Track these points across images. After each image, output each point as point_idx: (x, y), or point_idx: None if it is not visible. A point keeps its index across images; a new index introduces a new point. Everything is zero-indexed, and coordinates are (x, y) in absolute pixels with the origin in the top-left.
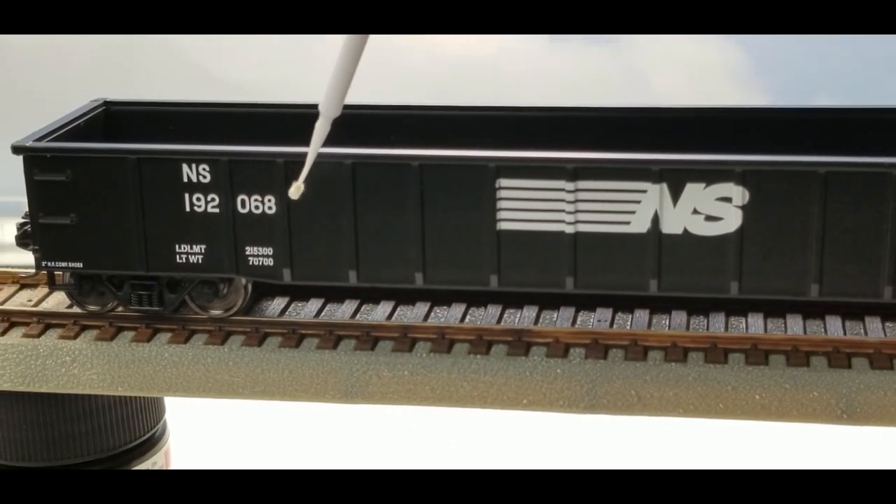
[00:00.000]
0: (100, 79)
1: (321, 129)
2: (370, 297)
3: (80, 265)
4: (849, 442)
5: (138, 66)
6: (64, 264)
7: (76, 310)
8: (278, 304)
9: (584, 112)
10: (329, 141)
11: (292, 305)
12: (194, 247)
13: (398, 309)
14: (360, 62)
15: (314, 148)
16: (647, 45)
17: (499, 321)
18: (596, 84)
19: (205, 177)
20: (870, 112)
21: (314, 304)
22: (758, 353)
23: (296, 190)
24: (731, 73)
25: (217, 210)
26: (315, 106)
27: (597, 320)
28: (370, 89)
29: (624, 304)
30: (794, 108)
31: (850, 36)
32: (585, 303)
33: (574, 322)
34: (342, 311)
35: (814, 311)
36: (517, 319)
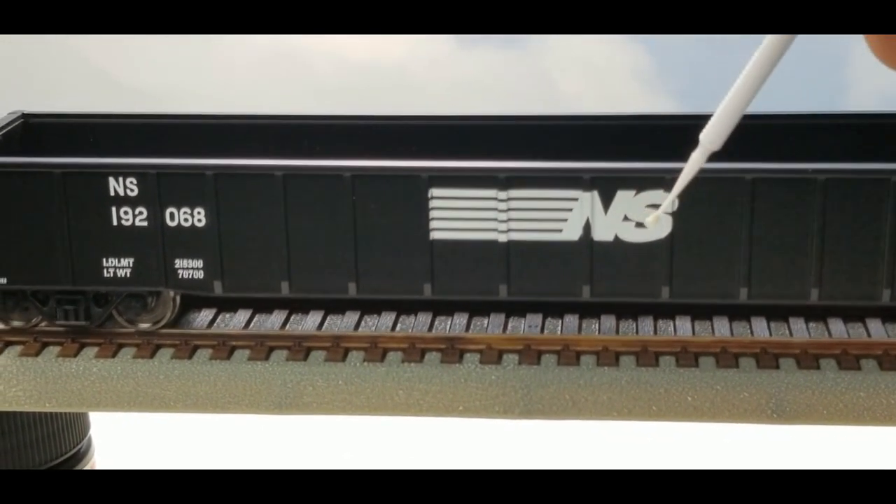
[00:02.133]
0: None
1: (697, 160)
2: (299, 307)
3: (3, 281)
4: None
5: (43, 74)
6: None
7: (0, 326)
8: (206, 315)
9: (510, 121)
10: (259, 153)
11: (220, 317)
12: (122, 260)
13: (328, 318)
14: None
15: (684, 179)
16: (554, 48)
17: (430, 329)
18: (503, 87)
19: (132, 190)
20: (791, 118)
21: (242, 315)
22: (688, 355)
23: (654, 220)
24: (636, 75)
25: (145, 223)
26: (236, 117)
27: (528, 326)
28: (279, 95)
29: (553, 310)
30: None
31: (755, 37)
32: (515, 309)
33: (505, 328)
34: (272, 322)
35: (739, 313)
36: (448, 327)
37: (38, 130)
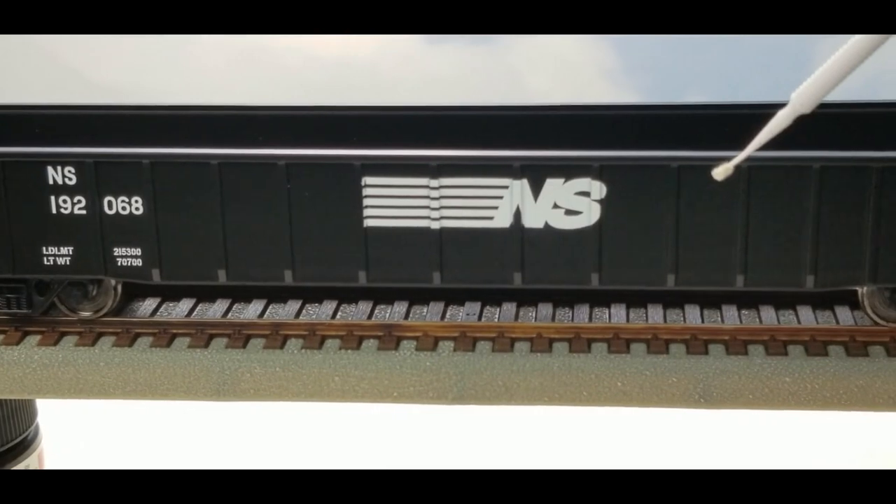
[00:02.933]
0: None
1: (783, 118)
2: (242, 295)
3: None
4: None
5: (6, 68)
6: None
7: None
8: (150, 304)
9: (457, 111)
10: (194, 142)
11: (164, 305)
12: (62, 249)
13: (270, 307)
14: (854, 68)
15: (766, 134)
16: (522, 45)
17: (370, 317)
18: (473, 84)
19: (70, 179)
20: (730, 108)
21: (186, 304)
22: (619, 341)
23: (723, 171)
24: (604, 72)
25: (84, 212)
26: (183, 108)
27: (465, 314)
28: (248, 90)
29: (492, 298)
30: (658, 104)
31: (717, 35)
32: (455, 297)
33: (444, 316)
34: (214, 311)
35: (675, 300)
36: (388, 315)
37: None
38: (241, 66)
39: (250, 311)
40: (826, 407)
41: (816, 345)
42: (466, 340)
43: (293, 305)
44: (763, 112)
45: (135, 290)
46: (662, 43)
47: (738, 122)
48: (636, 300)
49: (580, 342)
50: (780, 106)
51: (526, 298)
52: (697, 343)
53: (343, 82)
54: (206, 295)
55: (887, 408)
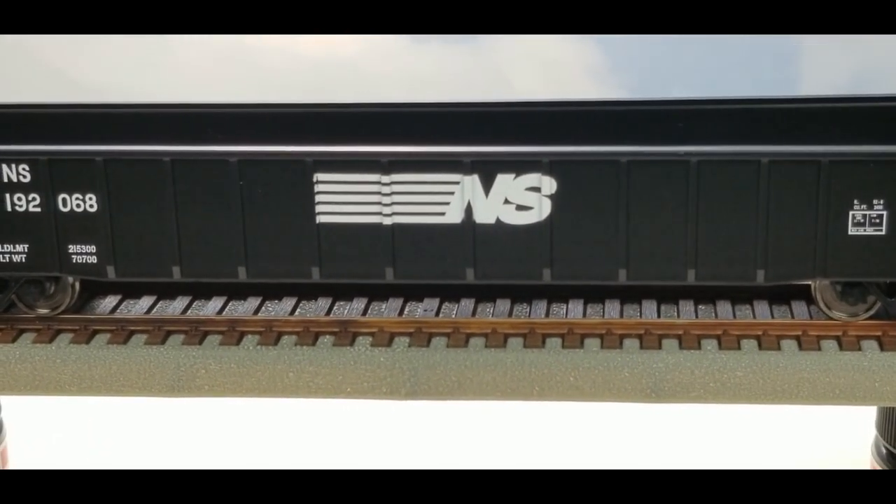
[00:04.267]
0: None
1: None
2: (203, 293)
3: None
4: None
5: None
6: None
7: None
8: (110, 301)
9: (409, 108)
10: (147, 139)
11: (124, 303)
12: (17, 246)
13: (229, 304)
14: None
15: None
16: (506, 44)
17: (328, 313)
18: (457, 83)
19: (25, 176)
20: (680, 104)
21: (146, 301)
22: (574, 336)
23: None
24: (590, 70)
25: (38, 209)
26: (140, 105)
27: (423, 310)
28: (229, 89)
29: (452, 294)
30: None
31: (700, 35)
32: (413, 293)
33: (401, 312)
34: (173, 308)
35: (633, 296)
36: (346, 311)
37: None
38: (224, 66)
39: (209, 307)
40: (776, 401)
41: (769, 339)
42: (422, 336)
43: (253, 302)
44: (713, 108)
45: (97, 287)
46: (646, 41)
47: (685, 117)
48: (595, 296)
49: (535, 337)
50: (723, 101)
51: (485, 295)
52: (651, 338)
53: (325, 81)
54: (166, 292)
55: (836, 401)
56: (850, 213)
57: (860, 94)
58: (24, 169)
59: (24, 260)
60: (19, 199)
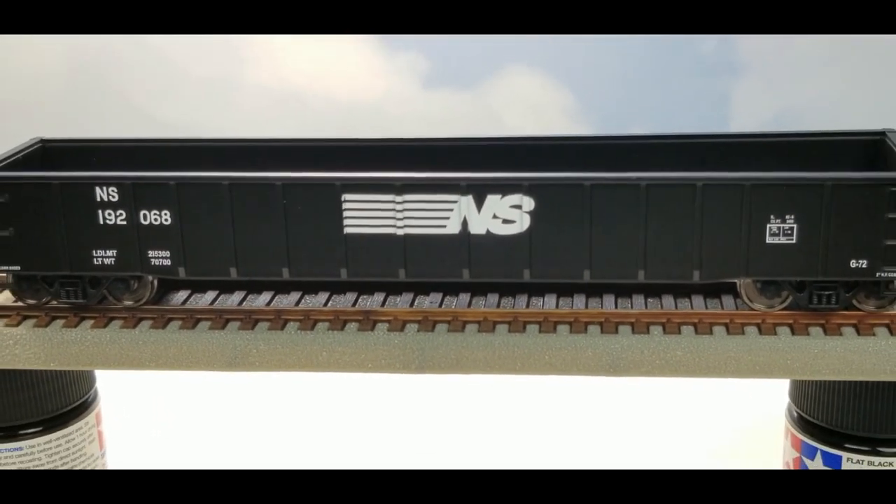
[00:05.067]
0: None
1: None
2: (255, 289)
3: (17, 268)
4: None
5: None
6: (5, 267)
7: (19, 303)
8: (182, 295)
9: (416, 142)
10: (210, 167)
11: (193, 296)
12: (108, 251)
13: (276, 297)
14: None
15: None
16: (500, 90)
17: (354, 304)
18: (460, 120)
19: (114, 196)
20: (633, 139)
21: (210, 295)
22: (548, 323)
23: None
24: (565, 111)
25: (124, 222)
26: (204, 140)
27: (429, 302)
28: (278, 126)
29: (452, 290)
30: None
31: (659, 78)
32: (421, 289)
33: (412, 304)
34: (232, 300)
35: (596, 291)
36: (368, 303)
37: (53, 153)
38: (278, 108)
39: (260, 300)
40: (709, 374)
41: (704, 325)
42: (428, 323)
43: (294, 296)
44: (654, 142)
45: (172, 284)
46: (611, 87)
47: (640, 150)
48: (566, 291)
49: (517, 324)
50: (668, 136)
51: (479, 290)
52: (610, 324)
53: (355, 120)
54: (226, 288)
55: (755, 375)
56: (768, 225)
57: (776, 131)
58: (113, 191)
59: (113, 262)
60: (109, 214)
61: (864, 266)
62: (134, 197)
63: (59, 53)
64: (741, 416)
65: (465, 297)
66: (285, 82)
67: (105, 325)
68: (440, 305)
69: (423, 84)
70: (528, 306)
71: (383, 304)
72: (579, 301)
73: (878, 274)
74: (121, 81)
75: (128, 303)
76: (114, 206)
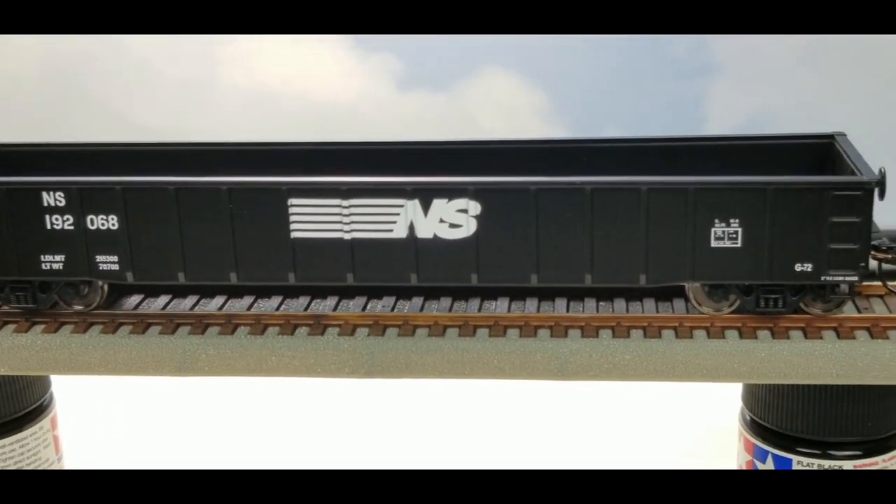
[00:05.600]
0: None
1: None
2: (209, 293)
3: None
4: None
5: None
6: None
7: None
8: (135, 299)
9: (364, 146)
10: (155, 171)
11: (146, 301)
12: (56, 256)
13: (229, 302)
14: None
15: None
16: (475, 92)
17: (306, 309)
18: (436, 122)
19: (61, 202)
20: (582, 142)
21: (163, 300)
22: (498, 327)
23: None
24: (538, 112)
25: (72, 227)
26: (155, 144)
27: (381, 306)
28: (249, 128)
29: (405, 294)
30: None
31: (633, 79)
32: (375, 293)
33: (364, 308)
34: (184, 305)
35: (549, 295)
36: (321, 307)
37: (5, 157)
38: (252, 110)
39: (212, 305)
40: (657, 378)
41: (653, 329)
42: (378, 327)
43: (247, 300)
44: (610, 145)
45: (125, 289)
46: (586, 88)
47: (590, 153)
48: (519, 295)
49: (468, 328)
50: (617, 140)
51: (432, 295)
52: (559, 328)
53: (330, 122)
54: (180, 293)
55: (703, 379)
56: (713, 229)
57: (727, 135)
58: (59, 196)
59: (61, 268)
60: (57, 219)
61: (809, 270)
62: (81, 202)
63: (32, 55)
64: (697, 421)
65: (417, 302)
66: (260, 84)
67: (56, 330)
68: (392, 310)
69: (398, 85)
70: (479, 310)
71: (335, 308)
72: (531, 305)
73: (823, 277)
74: (94, 83)
75: (78, 308)
76: (61, 210)
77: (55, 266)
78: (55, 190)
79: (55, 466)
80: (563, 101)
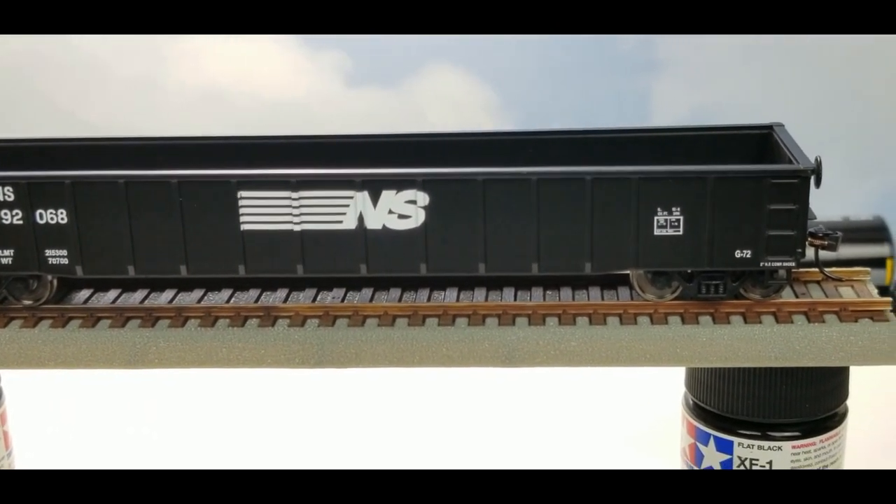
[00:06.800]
0: None
1: None
2: (159, 286)
3: None
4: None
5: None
6: None
7: None
8: (84, 294)
9: (312, 139)
10: (104, 166)
11: (95, 295)
12: (4, 251)
13: (178, 295)
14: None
15: None
16: (425, 87)
17: (256, 301)
18: (385, 119)
19: (9, 196)
20: (527, 134)
21: (113, 294)
22: (447, 316)
23: None
24: (487, 107)
25: (21, 222)
26: (104, 139)
27: (331, 297)
28: (198, 124)
29: (355, 285)
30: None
31: (578, 77)
32: (326, 285)
33: (315, 299)
34: (134, 298)
35: (497, 284)
36: (271, 299)
37: None
38: (202, 106)
39: (162, 298)
40: (602, 364)
41: (598, 316)
42: (328, 318)
43: (197, 293)
44: (555, 137)
45: (75, 284)
46: (533, 84)
47: (535, 145)
48: (468, 285)
49: (417, 318)
50: (562, 132)
51: (382, 285)
52: (507, 316)
53: (280, 119)
54: (130, 286)
55: (648, 364)
56: (655, 217)
57: (671, 126)
58: (8, 190)
59: (10, 262)
60: (6, 213)
61: (748, 256)
62: (29, 196)
63: None
64: (641, 406)
65: (367, 293)
66: (209, 81)
67: (5, 325)
68: (342, 301)
69: (347, 82)
70: (429, 300)
71: (286, 300)
72: (479, 294)
73: (761, 263)
74: (43, 81)
75: (27, 302)
76: (9, 205)
77: (4, 261)
78: (4, 185)
79: (4, 463)
80: (511, 98)
